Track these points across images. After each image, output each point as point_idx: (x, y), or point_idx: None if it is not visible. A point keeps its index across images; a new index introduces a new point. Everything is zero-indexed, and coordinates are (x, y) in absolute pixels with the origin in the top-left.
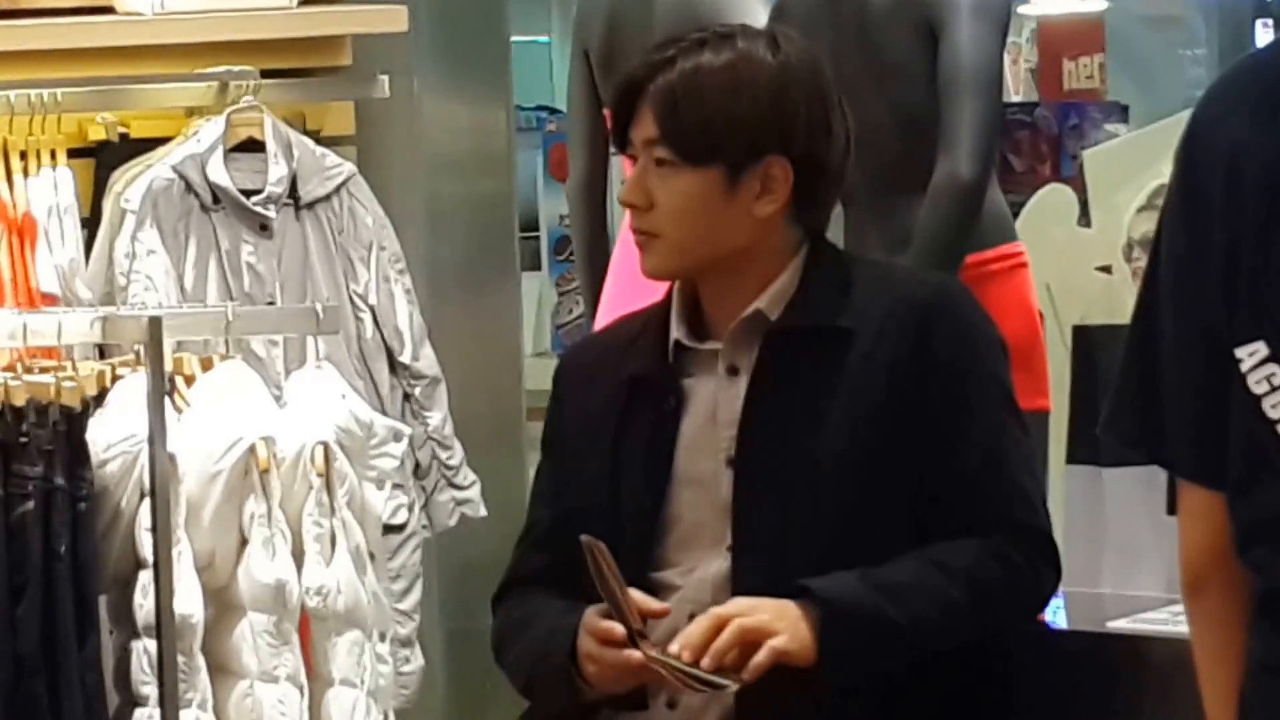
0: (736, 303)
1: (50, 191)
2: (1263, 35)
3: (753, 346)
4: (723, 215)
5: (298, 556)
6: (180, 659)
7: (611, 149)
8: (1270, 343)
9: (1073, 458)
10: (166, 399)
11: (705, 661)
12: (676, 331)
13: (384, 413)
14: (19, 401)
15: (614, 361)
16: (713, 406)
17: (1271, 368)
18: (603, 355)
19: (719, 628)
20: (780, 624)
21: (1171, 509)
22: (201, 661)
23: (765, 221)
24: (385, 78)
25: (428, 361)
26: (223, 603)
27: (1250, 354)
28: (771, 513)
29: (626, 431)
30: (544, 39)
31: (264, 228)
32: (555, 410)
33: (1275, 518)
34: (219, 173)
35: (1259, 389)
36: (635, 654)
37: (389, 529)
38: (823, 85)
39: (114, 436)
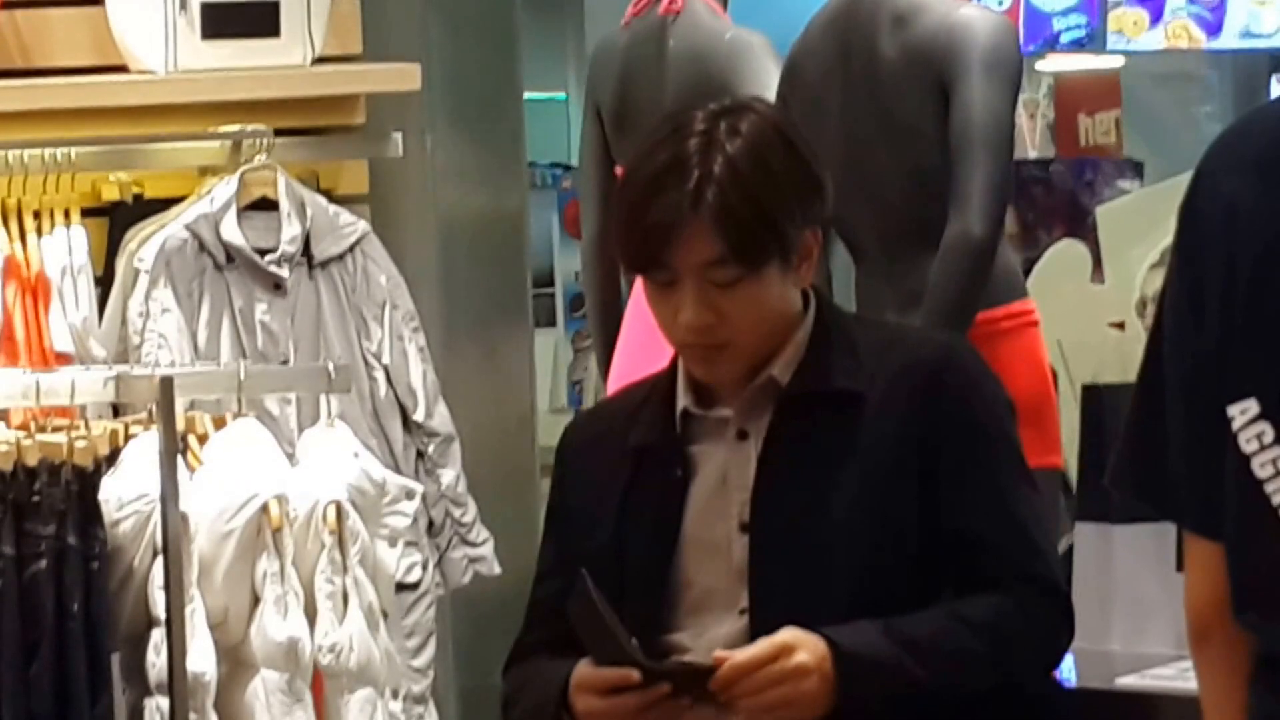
0: (748, 369)
1: (64, 251)
2: None
3: (764, 411)
4: (782, 302)
5: (310, 614)
6: (193, 717)
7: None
8: (1261, 400)
9: (1083, 515)
10: (179, 458)
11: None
12: (684, 400)
13: (398, 471)
14: (31, 461)
15: (618, 433)
16: (723, 472)
17: (1261, 426)
18: (606, 428)
19: (773, 659)
20: (813, 668)
21: (1180, 565)
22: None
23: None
24: (399, 136)
25: (441, 419)
26: (235, 661)
27: (1241, 412)
28: (787, 576)
29: (633, 501)
30: (561, 96)
31: (278, 286)
32: (558, 485)
33: (1265, 581)
34: (232, 232)
35: (1249, 448)
36: (632, 672)
37: (403, 587)
38: (805, 137)
39: (126, 495)
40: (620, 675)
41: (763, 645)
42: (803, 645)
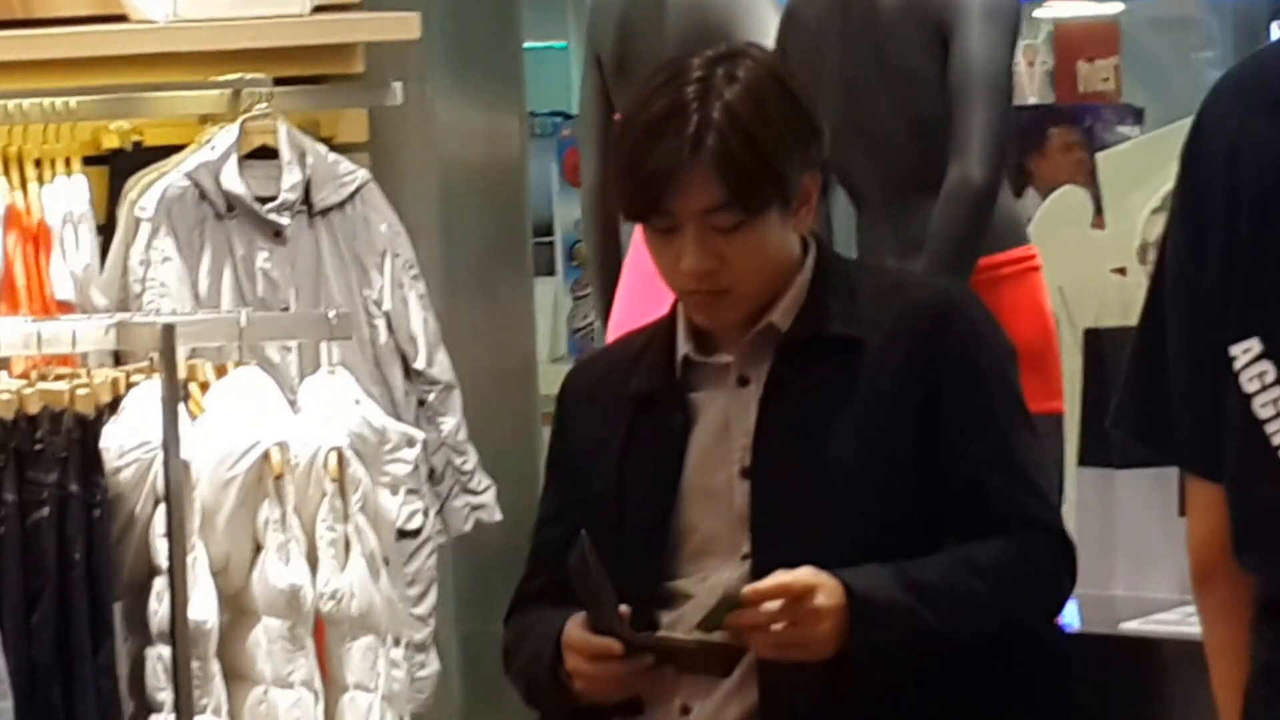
0: (749, 315)
1: (65, 199)
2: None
3: (764, 358)
4: (783, 247)
5: (312, 562)
6: (195, 665)
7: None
8: (1264, 340)
9: (1085, 460)
10: (181, 405)
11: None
12: (684, 347)
13: (398, 418)
14: (33, 409)
15: (618, 380)
16: (724, 419)
17: (1264, 365)
18: (606, 375)
19: (795, 596)
20: (830, 612)
21: (1183, 510)
22: (216, 667)
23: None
24: (399, 84)
25: (442, 367)
26: (237, 608)
27: (1244, 351)
28: (788, 521)
29: (634, 449)
30: (561, 44)
31: (278, 234)
32: (559, 432)
33: (1266, 522)
34: (233, 180)
35: (1250, 387)
36: (614, 644)
37: (404, 534)
38: (800, 82)
39: (128, 443)
40: (604, 645)
41: (787, 580)
42: (823, 587)
